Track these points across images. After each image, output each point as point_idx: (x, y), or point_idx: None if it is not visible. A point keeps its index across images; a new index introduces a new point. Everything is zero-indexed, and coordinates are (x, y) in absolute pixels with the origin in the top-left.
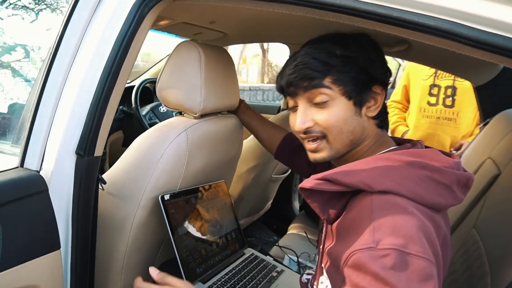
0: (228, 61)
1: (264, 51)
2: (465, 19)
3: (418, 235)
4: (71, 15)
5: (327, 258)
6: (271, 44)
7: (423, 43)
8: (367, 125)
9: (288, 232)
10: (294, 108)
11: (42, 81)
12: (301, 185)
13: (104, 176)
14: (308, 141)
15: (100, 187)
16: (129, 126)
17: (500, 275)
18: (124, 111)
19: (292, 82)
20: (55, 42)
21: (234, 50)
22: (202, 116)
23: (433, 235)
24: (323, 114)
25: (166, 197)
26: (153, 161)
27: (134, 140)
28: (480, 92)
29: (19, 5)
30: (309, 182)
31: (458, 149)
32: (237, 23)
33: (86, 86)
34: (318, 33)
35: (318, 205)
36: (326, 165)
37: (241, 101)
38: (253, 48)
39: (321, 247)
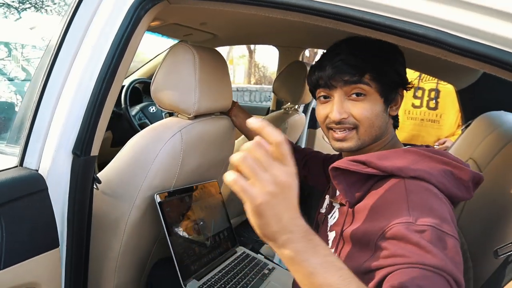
0: (221, 63)
1: (251, 52)
2: (451, 28)
3: (449, 218)
4: (73, 18)
5: (346, 239)
6: (258, 45)
7: (409, 48)
8: (389, 123)
9: None
10: (325, 100)
11: (43, 81)
12: (334, 164)
13: (99, 175)
14: (337, 130)
15: (94, 186)
16: (119, 127)
17: (483, 268)
18: (113, 112)
19: (334, 75)
20: (56, 44)
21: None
22: (196, 117)
23: (455, 220)
24: (359, 107)
25: (162, 195)
26: (148, 160)
27: (129, 140)
28: (462, 95)
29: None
30: (343, 163)
31: (442, 144)
32: (228, 25)
33: (83, 87)
34: (310, 35)
35: (344, 187)
36: (321, 167)
37: (234, 103)
38: (240, 49)
39: (333, 232)
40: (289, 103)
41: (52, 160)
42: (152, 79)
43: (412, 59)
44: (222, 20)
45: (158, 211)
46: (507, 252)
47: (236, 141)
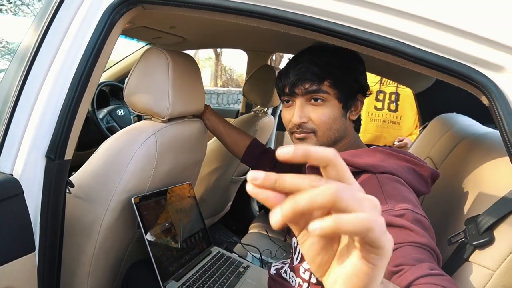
0: (194, 67)
1: (217, 55)
2: (409, 39)
3: (418, 204)
4: (53, 19)
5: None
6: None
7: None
8: (348, 127)
9: (249, 231)
10: (288, 104)
11: (20, 84)
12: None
13: (71, 179)
14: (299, 132)
15: (67, 190)
16: (85, 130)
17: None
18: None
19: (296, 83)
20: (34, 47)
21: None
22: (170, 120)
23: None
24: (317, 112)
25: (139, 198)
26: (123, 163)
27: (103, 143)
28: (420, 98)
29: None
30: None
31: (401, 141)
32: (197, 29)
33: (57, 91)
34: (278, 41)
35: None
36: (288, 168)
37: (206, 106)
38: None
39: None
40: (258, 106)
41: (25, 164)
42: (125, 83)
43: (374, 64)
44: (191, 24)
45: (136, 214)
46: (459, 240)
47: (208, 143)
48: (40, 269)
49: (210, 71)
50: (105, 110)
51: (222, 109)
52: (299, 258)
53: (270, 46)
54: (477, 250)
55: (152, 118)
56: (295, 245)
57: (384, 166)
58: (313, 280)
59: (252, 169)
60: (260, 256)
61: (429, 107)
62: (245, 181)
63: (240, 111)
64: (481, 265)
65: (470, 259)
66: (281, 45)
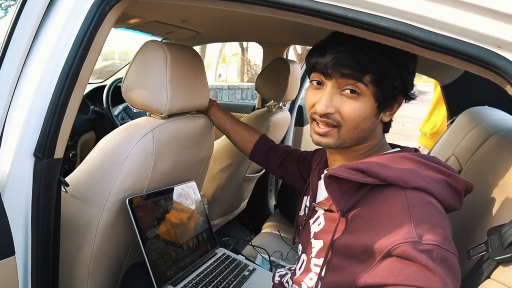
0: (196, 61)
1: (243, 50)
2: (417, 20)
3: (449, 234)
4: (21, 12)
5: (338, 250)
6: (250, 42)
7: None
8: (377, 128)
9: (262, 231)
10: (318, 86)
11: (6, 81)
12: (331, 172)
13: (68, 178)
14: (319, 124)
15: (63, 189)
16: (101, 127)
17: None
18: (95, 111)
19: (333, 65)
20: (4, 39)
21: (213, 49)
22: (170, 116)
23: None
24: (348, 105)
25: (134, 199)
26: (118, 162)
27: (99, 141)
28: (447, 90)
29: None
30: (341, 171)
31: None
32: (210, 22)
33: (44, 86)
34: (293, 32)
35: (336, 195)
36: (296, 167)
37: (212, 102)
38: (233, 46)
39: (320, 240)
40: (272, 101)
41: (12, 163)
42: (123, 78)
43: None
44: (203, 17)
45: (130, 216)
46: (480, 253)
47: (217, 140)
48: (33, 270)
49: (237, 66)
50: (120, 107)
51: (239, 104)
52: (302, 270)
53: (285, 38)
54: (500, 266)
55: (152, 115)
56: (300, 253)
57: (417, 181)
58: None
59: (260, 166)
60: (269, 258)
61: (457, 100)
62: (261, 178)
63: (256, 106)
64: (505, 284)
65: (492, 276)
66: (297, 37)
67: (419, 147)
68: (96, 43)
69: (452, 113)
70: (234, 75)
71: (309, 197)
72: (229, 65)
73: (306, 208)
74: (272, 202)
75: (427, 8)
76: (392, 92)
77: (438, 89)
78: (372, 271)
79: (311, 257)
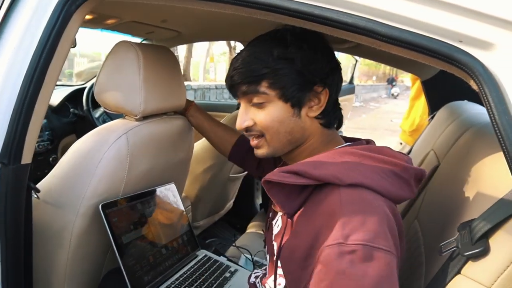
0: (171, 61)
1: (231, 49)
2: (379, 16)
3: (384, 228)
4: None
5: (286, 253)
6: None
7: None
8: (309, 125)
9: (246, 231)
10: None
11: None
12: (266, 177)
13: (40, 184)
14: (251, 138)
15: (34, 196)
16: (82, 130)
17: (432, 264)
18: (76, 114)
19: (234, 84)
20: None
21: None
22: (146, 117)
23: (394, 227)
24: (261, 114)
25: (107, 205)
26: (91, 166)
27: (72, 145)
28: (427, 85)
29: None
30: (275, 175)
31: None
32: (190, 22)
33: (7, 90)
34: (271, 30)
35: (279, 199)
36: (272, 167)
37: (190, 102)
38: (221, 46)
39: (275, 243)
40: None
41: None
42: (95, 80)
43: (375, 51)
44: (182, 17)
45: (104, 222)
46: (450, 248)
47: (199, 141)
48: (3, 279)
49: (225, 66)
50: (101, 109)
51: (222, 103)
52: (267, 271)
53: None
54: (470, 262)
55: (126, 117)
56: (265, 254)
57: (352, 177)
58: None
59: (239, 167)
60: (252, 258)
61: (437, 95)
62: (248, 177)
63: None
64: (474, 279)
65: (462, 272)
66: None
67: (401, 144)
68: (62, 44)
69: (433, 108)
70: (223, 75)
71: None
72: (217, 65)
73: (271, 211)
74: (259, 201)
75: (391, 3)
76: (298, 86)
77: (416, 84)
78: (311, 279)
79: (274, 259)
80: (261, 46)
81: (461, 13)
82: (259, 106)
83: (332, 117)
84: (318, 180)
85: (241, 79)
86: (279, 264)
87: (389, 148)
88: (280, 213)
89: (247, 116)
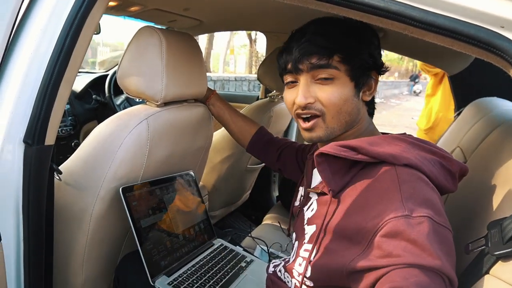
0: (194, 48)
1: (251, 41)
2: (414, 0)
3: (442, 208)
4: None
5: (330, 233)
6: (259, 34)
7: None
8: (361, 109)
9: (262, 223)
10: (292, 84)
11: None
12: (321, 149)
13: (62, 166)
14: (304, 120)
15: (56, 177)
16: (104, 116)
17: (459, 263)
18: (98, 101)
19: (301, 56)
20: (9, 23)
21: (221, 40)
22: (166, 104)
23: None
24: (326, 91)
25: (128, 188)
26: (112, 149)
27: (94, 129)
28: (454, 81)
29: None
30: (331, 148)
31: None
32: (212, 10)
33: (33, 71)
34: (296, 20)
35: (327, 175)
36: (294, 160)
37: (212, 91)
38: (241, 38)
39: (312, 225)
40: (274, 91)
41: (1, 150)
42: (118, 65)
43: (402, 44)
44: (205, 5)
45: (124, 205)
46: (479, 247)
47: (218, 131)
48: (25, 256)
49: (245, 58)
50: (123, 96)
51: (243, 94)
52: (293, 257)
53: (288, 27)
54: (499, 262)
55: (147, 102)
56: (293, 241)
57: (407, 158)
58: (309, 283)
59: (257, 158)
60: (268, 249)
61: (465, 91)
62: (265, 169)
63: (259, 96)
64: (504, 280)
65: (491, 272)
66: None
67: None
68: (86, 28)
69: (460, 105)
70: (243, 67)
71: (304, 186)
72: (237, 57)
73: (301, 198)
74: (275, 193)
75: None
76: (364, 67)
77: (431, 81)
78: (363, 253)
79: (304, 243)
80: (329, 25)
81: None
82: (325, 82)
83: (373, 106)
84: (375, 158)
85: (313, 51)
86: (315, 245)
87: (430, 142)
88: (314, 197)
89: (308, 93)
